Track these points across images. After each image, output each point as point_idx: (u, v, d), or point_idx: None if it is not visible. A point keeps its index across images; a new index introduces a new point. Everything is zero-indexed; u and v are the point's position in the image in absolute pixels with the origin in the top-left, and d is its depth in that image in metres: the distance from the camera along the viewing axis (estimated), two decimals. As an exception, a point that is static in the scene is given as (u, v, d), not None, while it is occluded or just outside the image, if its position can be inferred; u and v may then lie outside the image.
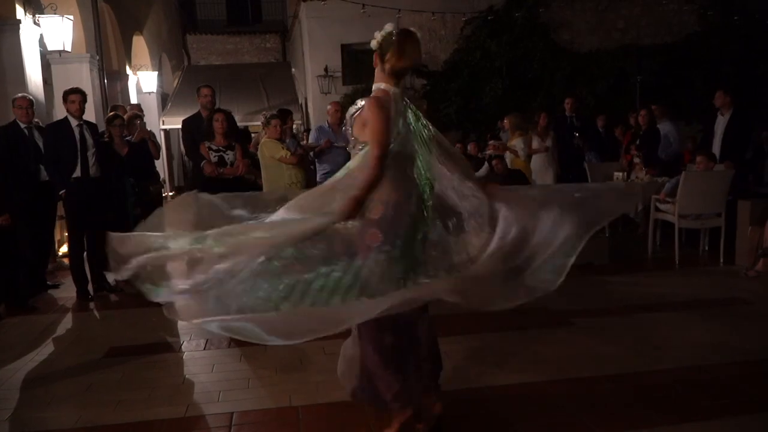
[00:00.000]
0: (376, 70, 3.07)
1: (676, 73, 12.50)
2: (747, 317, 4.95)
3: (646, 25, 13.83)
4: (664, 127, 8.88)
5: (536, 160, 9.33)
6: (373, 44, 3.09)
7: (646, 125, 8.69)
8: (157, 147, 7.85)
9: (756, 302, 5.33)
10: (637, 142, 8.67)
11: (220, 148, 6.32)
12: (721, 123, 7.47)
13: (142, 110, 9.14)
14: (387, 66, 3.00)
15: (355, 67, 14.21)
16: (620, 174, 8.26)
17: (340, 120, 7.77)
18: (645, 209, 7.47)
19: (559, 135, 9.30)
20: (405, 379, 3.00)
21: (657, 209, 7.09)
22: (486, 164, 9.52)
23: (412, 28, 3.11)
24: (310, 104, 15.01)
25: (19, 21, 8.16)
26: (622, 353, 4.20)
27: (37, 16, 8.59)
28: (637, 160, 8.30)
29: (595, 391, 3.65)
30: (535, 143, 9.27)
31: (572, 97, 9.98)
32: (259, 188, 7.74)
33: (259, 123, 9.05)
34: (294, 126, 9.47)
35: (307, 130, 12.41)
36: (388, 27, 3.08)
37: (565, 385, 3.72)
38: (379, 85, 3.03)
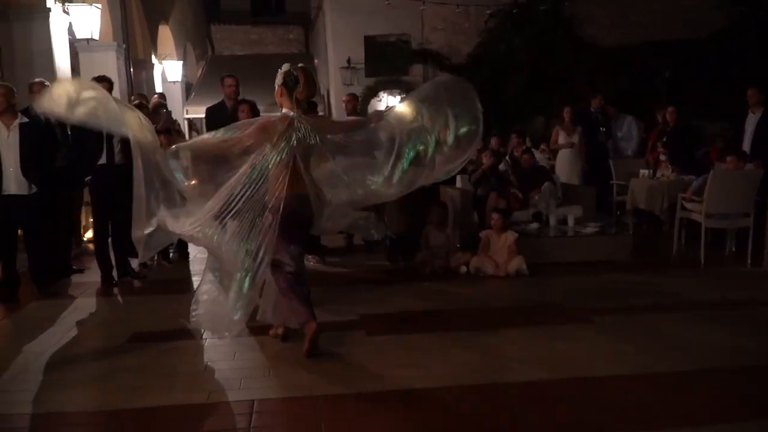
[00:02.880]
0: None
1: (702, 70, 12.30)
2: (773, 320, 4.87)
3: (672, 21, 13.60)
4: (628, 121, 9.71)
5: (562, 156, 9.27)
6: (278, 80, 4.13)
7: (674, 122, 8.58)
8: (181, 135, 7.90)
9: (783, 305, 5.24)
10: (664, 139, 8.57)
11: (245, 138, 6.35)
12: (751, 121, 7.37)
13: (165, 98, 9.21)
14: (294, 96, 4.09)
15: (378, 58, 14.17)
16: (646, 171, 8.17)
17: (354, 110, 7.78)
18: (671, 207, 7.37)
19: (583, 131, 9.23)
20: (307, 303, 4.11)
21: (683, 208, 6.99)
22: (507, 159, 9.48)
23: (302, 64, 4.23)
24: (332, 96, 15.03)
25: (49, 9, 8.26)
26: (642, 353, 4.15)
27: (66, 4, 8.68)
28: (663, 157, 8.20)
29: (613, 390, 3.61)
30: (561, 138, 9.21)
31: (600, 94, 9.89)
32: None
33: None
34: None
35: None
36: (285, 67, 4.16)
37: (583, 383, 3.69)
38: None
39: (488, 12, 13.81)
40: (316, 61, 18.27)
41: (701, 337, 4.44)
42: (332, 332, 4.62)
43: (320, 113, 10.31)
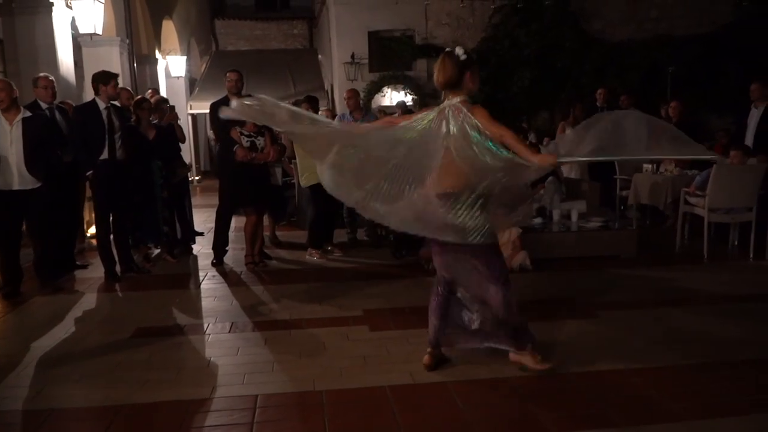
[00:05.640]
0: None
1: (709, 65, 12.25)
2: (777, 314, 4.86)
3: (680, 15, 13.54)
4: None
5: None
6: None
7: (677, 117, 8.55)
8: (181, 132, 7.91)
9: (786, 299, 5.23)
10: (668, 134, 8.53)
11: (252, 133, 6.37)
12: (754, 116, 7.33)
13: (159, 92, 9.22)
14: None
15: (382, 54, 14.15)
16: (649, 166, 8.15)
17: (356, 106, 7.78)
18: (674, 202, 7.36)
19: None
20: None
21: (686, 202, 6.98)
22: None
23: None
24: (336, 91, 15.02)
25: (52, 3, 8.26)
26: (649, 347, 4.15)
27: (69, -2, 8.68)
28: (666, 152, 8.16)
29: (620, 384, 3.61)
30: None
31: (605, 88, 9.85)
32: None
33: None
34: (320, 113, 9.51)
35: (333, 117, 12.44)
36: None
37: (590, 378, 3.69)
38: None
39: (493, 7, 13.77)
40: (320, 56, 18.25)
41: (707, 331, 4.45)
42: (336, 327, 4.64)
43: (323, 109, 10.29)
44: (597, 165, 9.29)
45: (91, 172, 6.06)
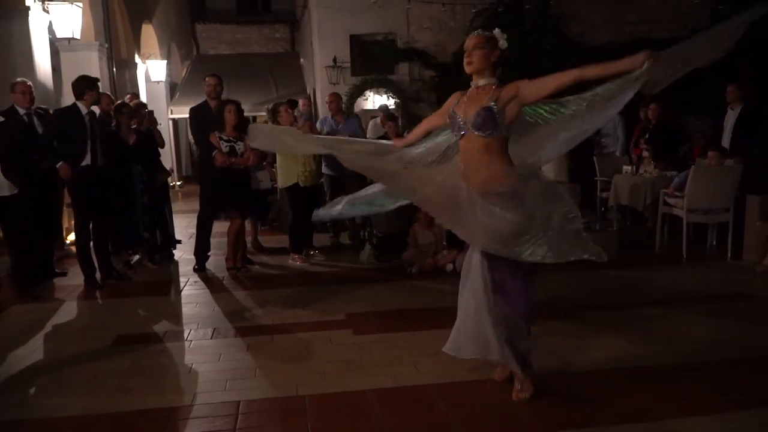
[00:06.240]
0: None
1: (686, 68, 12.39)
2: (754, 313, 4.93)
3: (659, 19, 13.70)
4: (615, 120, 9.49)
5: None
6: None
7: (655, 119, 8.64)
8: (160, 136, 7.85)
9: (764, 298, 5.30)
10: (647, 136, 8.62)
11: (231, 138, 6.34)
12: (730, 117, 7.44)
13: (138, 97, 9.14)
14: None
15: (364, 57, 14.16)
16: (629, 168, 8.23)
17: (338, 109, 7.81)
18: (653, 203, 7.43)
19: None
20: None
21: (665, 203, 7.06)
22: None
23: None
24: (318, 95, 15.00)
25: (28, 8, 8.15)
26: (629, 347, 4.20)
27: (46, 2, 8.57)
28: (646, 154, 8.25)
29: (602, 384, 3.64)
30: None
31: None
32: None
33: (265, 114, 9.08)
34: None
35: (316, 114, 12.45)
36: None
37: (571, 379, 3.72)
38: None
39: (474, 10, 13.83)
40: (302, 60, 18.22)
41: (686, 330, 4.51)
42: (318, 332, 4.63)
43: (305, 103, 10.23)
44: (577, 167, 9.37)
45: (61, 163, 5.90)
